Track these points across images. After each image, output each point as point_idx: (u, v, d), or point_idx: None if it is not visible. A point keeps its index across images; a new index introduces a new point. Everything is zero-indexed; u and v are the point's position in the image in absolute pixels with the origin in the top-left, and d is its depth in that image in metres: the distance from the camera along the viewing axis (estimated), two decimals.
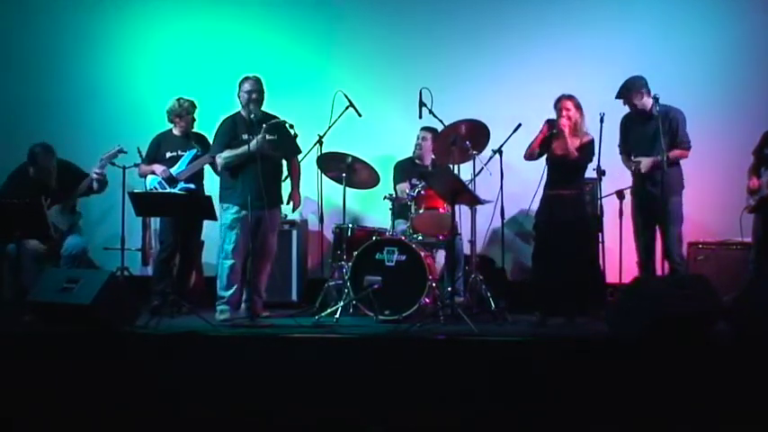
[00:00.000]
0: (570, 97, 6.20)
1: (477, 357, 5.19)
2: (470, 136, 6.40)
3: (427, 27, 7.88)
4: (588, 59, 7.57)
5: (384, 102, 7.76)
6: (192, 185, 6.73)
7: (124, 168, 7.05)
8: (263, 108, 6.36)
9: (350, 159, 6.85)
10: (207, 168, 6.89)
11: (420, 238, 6.74)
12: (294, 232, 7.47)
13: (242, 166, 6.20)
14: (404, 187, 7.03)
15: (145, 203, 6.28)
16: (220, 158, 6.31)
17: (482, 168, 6.57)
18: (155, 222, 7.15)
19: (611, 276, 6.54)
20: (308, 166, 6.78)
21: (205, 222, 6.80)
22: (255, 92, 6.27)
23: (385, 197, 6.98)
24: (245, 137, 6.19)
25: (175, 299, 6.29)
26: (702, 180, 6.45)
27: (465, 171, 6.58)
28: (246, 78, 6.33)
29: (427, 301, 6.37)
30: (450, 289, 6.45)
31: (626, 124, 6.44)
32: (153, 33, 8.12)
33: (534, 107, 6.63)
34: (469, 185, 6.39)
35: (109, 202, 7.58)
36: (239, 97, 6.32)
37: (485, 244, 7.36)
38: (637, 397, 4.87)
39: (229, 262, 6.22)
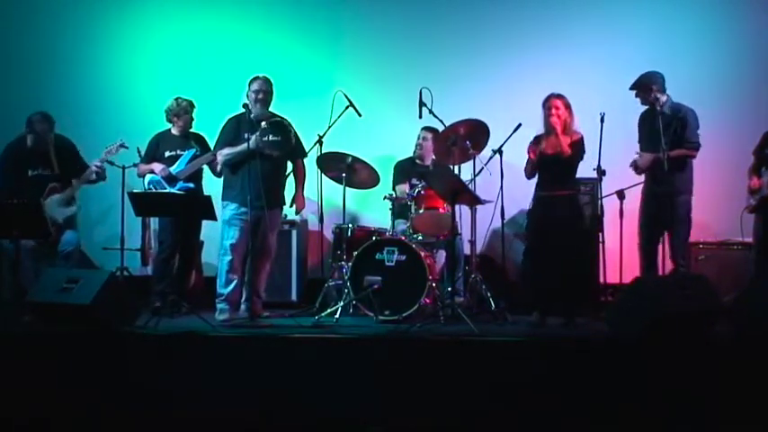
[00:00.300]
0: (559, 96, 6.17)
1: (477, 357, 5.18)
2: (470, 136, 6.40)
3: (427, 27, 7.88)
4: (588, 59, 7.57)
5: (384, 102, 7.76)
6: (190, 185, 6.72)
7: (124, 168, 7.06)
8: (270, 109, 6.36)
9: (350, 159, 6.84)
10: (206, 169, 6.88)
11: (420, 238, 6.73)
12: (294, 232, 7.47)
13: (242, 164, 6.19)
14: (404, 187, 7.03)
15: (144, 203, 6.27)
16: (221, 156, 6.31)
17: (482, 168, 6.57)
18: (154, 222, 7.14)
19: (611, 276, 6.53)
20: (308, 166, 6.78)
21: (204, 222, 6.79)
22: (262, 92, 6.28)
23: (385, 197, 6.97)
24: (248, 136, 6.19)
25: (175, 299, 6.29)
26: (703, 180, 6.43)
27: (465, 171, 6.58)
28: (255, 78, 6.33)
29: (427, 301, 6.37)
30: (450, 289, 6.45)
31: (641, 120, 6.44)
32: (153, 33, 8.12)
33: (534, 107, 6.58)
34: (469, 185, 6.39)
35: (108, 201, 7.59)
36: (247, 96, 6.32)
37: (485, 244, 7.35)
38: (637, 397, 4.87)
39: (228, 258, 6.21)
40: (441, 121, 6.67)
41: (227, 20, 8.05)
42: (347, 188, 6.97)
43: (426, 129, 7.17)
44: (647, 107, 6.40)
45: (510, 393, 4.97)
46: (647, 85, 6.30)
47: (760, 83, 7.41)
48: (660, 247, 6.31)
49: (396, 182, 7.26)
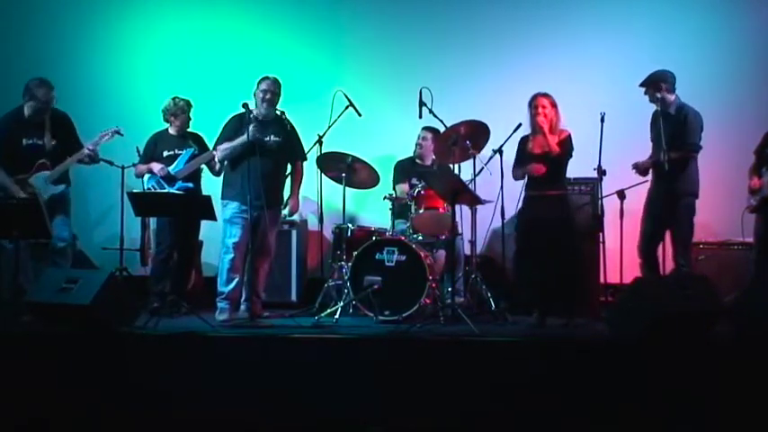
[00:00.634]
0: (545, 95, 6.16)
1: (477, 357, 5.17)
2: (470, 136, 6.39)
3: (427, 27, 7.88)
4: (589, 59, 7.57)
5: (384, 101, 7.76)
6: (190, 184, 6.71)
7: (123, 168, 7.06)
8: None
9: (350, 159, 6.84)
10: (205, 170, 6.87)
11: (420, 238, 6.73)
12: (294, 232, 7.46)
13: (242, 161, 6.17)
14: (404, 187, 7.02)
15: (144, 203, 6.26)
16: (219, 152, 6.31)
17: (482, 168, 6.56)
18: (153, 222, 7.13)
19: (612, 276, 6.53)
20: (308, 165, 6.77)
21: (204, 222, 6.78)
22: (270, 92, 6.28)
23: (385, 197, 6.97)
24: (249, 129, 6.18)
25: (174, 299, 6.28)
26: (704, 180, 6.42)
27: (465, 171, 6.57)
28: (265, 78, 6.32)
29: (427, 301, 6.36)
30: (450, 289, 6.44)
31: (653, 120, 6.42)
32: (152, 33, 8.12)
33: None
34: (469, 185, 6.38)
35: (108, 202, 7.60)
36: (254, 95, 6.32)
37: (485, 244, 7.34)
38: (637, 397, 4.86)
39: (230, 255, 6.19)
40: (441, 121, 6.67)
41: (226, 19, 8.05)
42: (347, 188, 6.97)
43: (426, 128, 7.17)
44: (658, 107, 6.38)
45: (510, 393, 4.96)
46: (656, 84, 6.28)
47: (761, 82, 7.41)
48: (660, 247, 6.31)
49: (396, 182, 7.26)
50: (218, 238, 6.41)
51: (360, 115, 7.16)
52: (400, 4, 7.98)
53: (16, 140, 6.30)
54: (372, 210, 7.67)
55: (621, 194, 6.58)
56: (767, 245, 6.23)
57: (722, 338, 5.33)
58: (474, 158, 6.48)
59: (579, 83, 7.32)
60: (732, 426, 4.75)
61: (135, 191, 6.41)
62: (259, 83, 6.32)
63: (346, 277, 6.53)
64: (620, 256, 6.49)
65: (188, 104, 6.86)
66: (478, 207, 6.52)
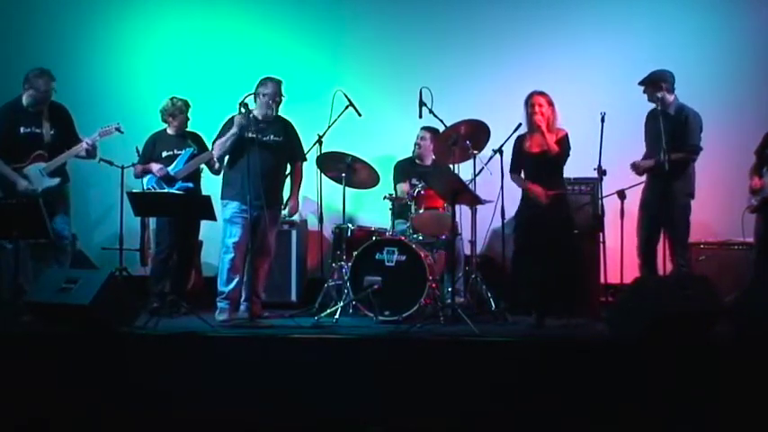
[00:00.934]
0: (542, 93, 6.15)
1: (477, 357, 5.17)
2: (470, 136, 6.39)
3: (427, 27, 7.88)
4: (589, 59, 7.57)
5: (384, 101, 7.76)
6: (189, 184, 6.71)
7: (123, 168, 7.05)
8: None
9: (350, 159, 6.84)
10: (205, 170, 6.87)
11: (420, 238, 6.73)
12: (293, 232, 7.46)
13: (241, 159, 6.17)
14: (404, 187, 7.02)
15: (144, 203, 6.26)
16: (216, 150, 6.32)
17: (482, 168, 6.56)
18: (153, 222, 7.13)
19: (612, 276, 6.52)
20: (308, 165, 6.77)
21: (203, 222, 6.78)
22: (280, 96, 6.30)
23: (385, 197, 6.97)
24: (250, 135, 6.18)
25: (174, 299, 6.28)
26: (704, 180, 6.43)
27: (465, 171, 6.57)
28: (270, 80, 6.33)
29: (427, 301, 6.36)
30: (450, 289, 6.44)
31: (647, 119, 6.42)
32: (152, 33, 8.13)
33: None
34: (469, 185, 6.38)
35: (107, 202, 7.59)
36: (255, 96, 6.31)
37: (485, 244, 7.33)
38: (637, 397, 4.86)
39: (230, 255, 6.20)
40: (441, 121, 6.67)
41: (226, 19, 8.06)
42: (347, 188, 6.96)
43: (425, 128, 7.17)
44: (653, 107, 6.38)
45: (510, 393, 4.96)
46: (656, 83, 6.28)
47: (762, 82, 7.41)
48: (660, 247, 6.31)
49: (396, 182, 7.25)
50: (218, 238, 6.42)
51: (360, 115, 7.16)
52: (400, 4, 7.98)
53: (14, 129, 6.25)
54: (372, 210, 7.67)
55: (622, 194, 6.57)
56: (767, 245, 6.23)
57: (722, 338, 5.33)
58: (474, 158, 6.48)
59: (579, 83, 7.32)
60: (732, 426, 4.75)
61: (135, 191, 6.40)
62: (263, 84, 6.31)
63: (346, 277, 6.53)
64: (620, 256, 6.48)
65: (186, 104, 6.85)
66: (478, 207, 6.51)
